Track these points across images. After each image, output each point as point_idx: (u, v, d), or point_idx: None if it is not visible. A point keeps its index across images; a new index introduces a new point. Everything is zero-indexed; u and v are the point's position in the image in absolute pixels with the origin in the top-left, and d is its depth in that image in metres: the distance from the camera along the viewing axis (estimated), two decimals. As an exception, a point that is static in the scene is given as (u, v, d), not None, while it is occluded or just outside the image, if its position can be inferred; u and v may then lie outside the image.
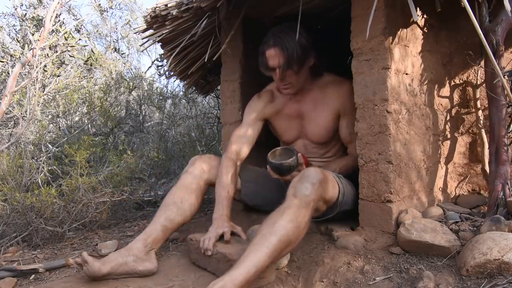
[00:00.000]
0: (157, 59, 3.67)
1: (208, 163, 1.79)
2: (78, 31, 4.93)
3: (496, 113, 1.57)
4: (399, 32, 1.56)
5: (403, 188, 1.57)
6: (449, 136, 1.86)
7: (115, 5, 5.81)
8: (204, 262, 1.53)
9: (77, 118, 3.97)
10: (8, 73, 3.76)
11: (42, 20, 4.56)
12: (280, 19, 2.02)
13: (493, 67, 1.48)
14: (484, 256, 1.21)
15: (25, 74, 3.83)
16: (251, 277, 1.20)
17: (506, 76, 1.63)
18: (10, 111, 3.39)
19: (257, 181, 1.95)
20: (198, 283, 1.43)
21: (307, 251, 1.56)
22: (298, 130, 1.91)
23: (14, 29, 4.96)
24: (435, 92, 1.78)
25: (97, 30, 6.13)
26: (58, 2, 3.25)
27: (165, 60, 3.36)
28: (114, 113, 3.93)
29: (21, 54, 4.08)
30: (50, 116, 3.84)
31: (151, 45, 2.41)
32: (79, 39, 4.55)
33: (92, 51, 4.97)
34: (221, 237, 1.53)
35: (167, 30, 2.13)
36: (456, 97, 1.89)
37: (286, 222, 1.29)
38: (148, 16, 2.18)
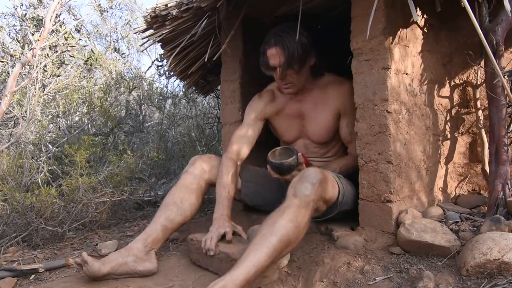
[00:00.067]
0: (157, 59, 3.67)
1: (208, 163, 1.79)
2: (78, 31, 4.93)
3: (496, 113, 1.57)
4: (399, 32, 1.56)
5: (403, 188, 1.57)
6: (449, 136, 1.86)
7: (115, 5, 5.81)
8: (205, 262, 1.53)
9: (77, 118, 3.97)
10: (8, 73, 3.76)
11: (42, 20, 4.56)
12: (280, 19, 2.02)
13: (493, 67, 1.48)
14: (484, 256, 1.21)
15: (25, 74, 3.83)
16: (252, 277, 1.20)
17: (506, 76, 1.63)
18: (10, 111, 3.38)
19: (257, 181, 1.95)
20: (198, 283, 1.43)
21: (307, 251, 1.56)
22: (298, 130, 1.91)
23: (14, 29, 4.96)
24: (435, 92, 1.78)
25: (97, 30, 6.13)
26: (58, 2, 3.25)
27: (165, 60, 3.36)
28: (114, 113, 3.93)
29: (21, 54, 4.08)
30: (50, 116, 3.84)
31: (151, 45, 2.41)
32: (79, 39, 4.55)
33: (92, 51, 4.97)
34: (222, 237, 1.53)
35: (167, 30, 2.13)
36: (456, 97, 1.89)
37: (286, 222, 1.29)
38: (148, 16, 2.18)
